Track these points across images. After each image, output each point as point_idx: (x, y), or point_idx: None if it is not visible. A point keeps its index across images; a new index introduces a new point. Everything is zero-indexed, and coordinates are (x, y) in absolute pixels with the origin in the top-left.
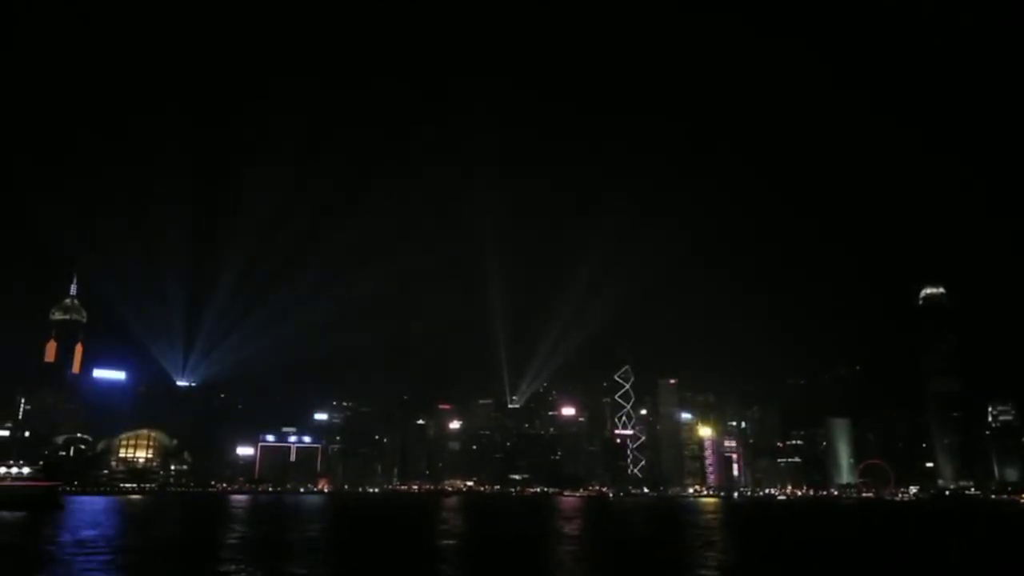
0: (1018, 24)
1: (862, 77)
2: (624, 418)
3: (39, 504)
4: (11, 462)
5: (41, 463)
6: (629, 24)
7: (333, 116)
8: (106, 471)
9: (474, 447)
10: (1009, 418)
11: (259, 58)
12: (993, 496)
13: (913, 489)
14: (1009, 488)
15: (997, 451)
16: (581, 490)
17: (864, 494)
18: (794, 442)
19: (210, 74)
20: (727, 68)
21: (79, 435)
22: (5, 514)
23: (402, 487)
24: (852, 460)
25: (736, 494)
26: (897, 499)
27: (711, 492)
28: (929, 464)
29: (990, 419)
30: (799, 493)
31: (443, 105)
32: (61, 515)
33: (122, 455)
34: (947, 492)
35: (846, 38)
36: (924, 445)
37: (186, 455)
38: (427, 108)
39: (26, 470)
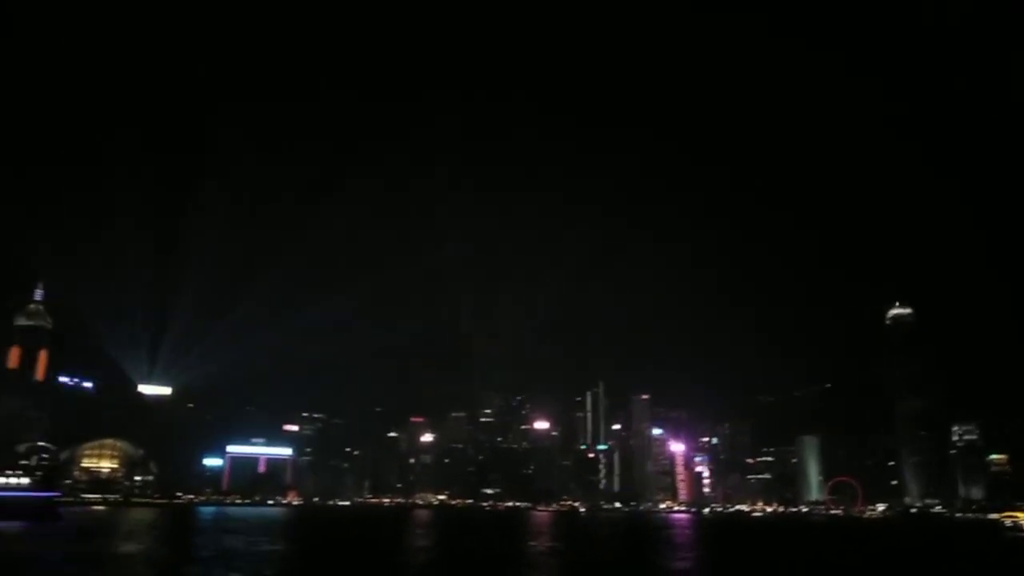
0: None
1: (829, 99)
2: (597, 433)
3: (38, 514)
4: (10, 472)
5: (39, 473)
6: (614, 34)
7: (295, 127)
8: (68, 481)
9: (446, 460)
10: (973, 437)
11: (225, 62)
12: (959, 514)
13: (881, 507)
14: (973, 506)
15: (962, 470)
16: (554, 505)
17: (832, 511)
18: (765, 459)
19: (173, 86)
20: (688, 89)
21: (41, 444)
22: (6, 524)
23: (373, 500)
24: (821, 477)
25: (707, 510)
26: (865, 516)
27: (682, 508)
28: (896, 482)
29: (955, 438)
30: (769, 510)
31: (423, 115)
32: (61, 526)
33: (85, 465)
34: (913, 510)
35: (811, 57)
36: (892, 463)
37: (152, 465)
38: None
39: (25, 480)
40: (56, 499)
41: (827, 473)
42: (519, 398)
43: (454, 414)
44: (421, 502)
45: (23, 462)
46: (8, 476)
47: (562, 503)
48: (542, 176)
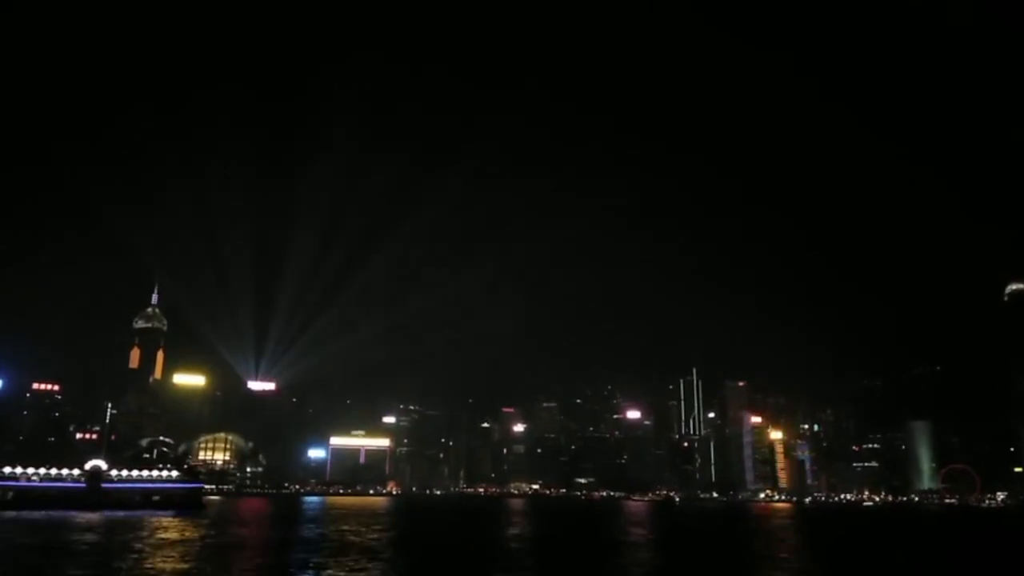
0: None
1: (935, 78)
2: (691, 421)
3: (186, 504)
4: (162, 466)
5: (185, 466)
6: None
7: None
8: None
9: (539, 450)
10: None
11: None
12: None
13: (1001, 495)
14: None
15: None
16: (648, 494)
17: (947, 500)
18: (871, 445)
19: (281, 92)
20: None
21: (162, 438)
22: (162, 513)
23: (468, 489)
24: (934, 464)
25: (809, 499)
26: (983, 506)
27: (783, 497)
28: (1018, 469)
29: None
30: (877, 499)
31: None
32: (207, 514)
33: (201, 457)
34: None
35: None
36: (1012, 449)
37: (261, 457)
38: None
39: (175, 473)
40: (200, 490)
41: (939, 460)
42: (609, 387)
43: (545, 404)
44: (515, 491)
45: (146, 455)
46: (161, 470)
47: (656, 492)
48: (625, 166)
